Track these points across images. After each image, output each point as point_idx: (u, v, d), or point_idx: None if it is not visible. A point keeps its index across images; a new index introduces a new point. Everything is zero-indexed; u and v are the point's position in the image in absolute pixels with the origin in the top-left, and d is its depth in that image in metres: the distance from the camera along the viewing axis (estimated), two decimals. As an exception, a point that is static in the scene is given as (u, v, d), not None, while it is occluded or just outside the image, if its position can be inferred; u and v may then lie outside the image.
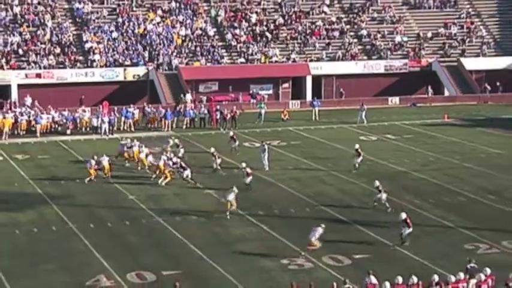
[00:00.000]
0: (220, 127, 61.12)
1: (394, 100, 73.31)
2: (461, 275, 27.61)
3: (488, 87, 75.53)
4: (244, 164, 43.93)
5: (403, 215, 34.63)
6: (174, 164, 44.72)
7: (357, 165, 47.23)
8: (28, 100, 66.09)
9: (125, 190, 43.13)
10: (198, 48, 75.47)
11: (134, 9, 78.27)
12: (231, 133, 53.05)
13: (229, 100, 69.97)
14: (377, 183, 40.25)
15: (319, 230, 33.69)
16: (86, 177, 44.47)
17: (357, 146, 48.26)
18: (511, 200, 41.45)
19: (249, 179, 42.81)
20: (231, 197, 38.71)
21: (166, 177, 43.97)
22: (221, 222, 37.78)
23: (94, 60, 72.21)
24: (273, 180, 45.42)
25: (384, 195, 39.51)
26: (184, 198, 41.68)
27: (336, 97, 75.07)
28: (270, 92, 74.37)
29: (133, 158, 47.89)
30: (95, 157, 45.12)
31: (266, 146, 48.00)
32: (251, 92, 72.34)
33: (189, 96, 67.71)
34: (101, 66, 72.04)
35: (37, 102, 64.95)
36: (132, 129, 60.00)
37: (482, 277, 27.72)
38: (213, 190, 42.34)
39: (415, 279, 27.14)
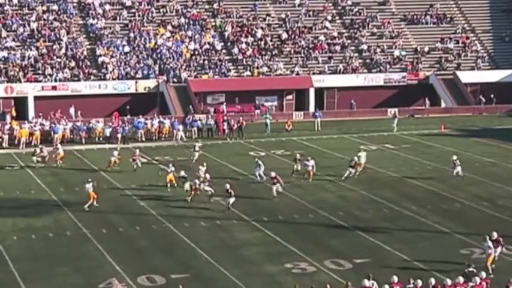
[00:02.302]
0: (227, 137, 61.14)
1: (393, 111, 73.14)
2: (460, 279, 27.56)
3: (483, 99, 75.47)
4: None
5: (494, 235, 32.36)
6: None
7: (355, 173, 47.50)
8: (71, 110, 67.08)
9: (135, 197, 43.12)
10: (206, 62, 75.54)
11: (145, 24, 78.39)
12: (297, 155, 49.32)
13: (236, 111, 69.96)
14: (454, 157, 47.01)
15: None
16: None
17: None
18: (504, 207, 41.39)
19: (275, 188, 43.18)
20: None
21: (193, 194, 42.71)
22: (227, 228, 37.79)
23: (107, 73, 72.34)
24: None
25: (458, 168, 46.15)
26: (192, 205, 41.64)
27: (337, 108, 75.05)
28: (275, 103, 74.40)
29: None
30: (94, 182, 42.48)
31: (260, 162, 47.53)
32: (256, 103, 72.55)
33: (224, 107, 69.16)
34: (113, 79, 72.13)
35: (80, 112, 65.51)
36: (143, 139, 60.02)
37: (478, 280, 27.70)
38: (220, 197, 42.25)
39: (419, 282, 27.21)
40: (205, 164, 46.24)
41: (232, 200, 40.31)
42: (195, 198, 42.11)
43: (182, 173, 44.14)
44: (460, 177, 46.84)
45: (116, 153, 50.72)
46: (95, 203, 41.10)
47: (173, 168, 45.25)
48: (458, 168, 46.99)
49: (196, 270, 31.99)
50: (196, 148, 52.26)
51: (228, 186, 40.88)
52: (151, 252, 34.48)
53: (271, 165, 50.25)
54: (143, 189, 44.92)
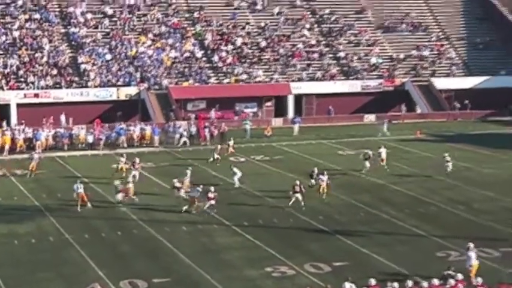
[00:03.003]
0: (208, 142, 60.94)
1: (370, 117, 73.44)
2: (435, 281, 27.54)
3: (458, 105, 75.75)
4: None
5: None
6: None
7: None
8: (62, 117, 66.65)
9: (117, 202, 42.81)
10: (186, 70, 75.39)
11: (126, 33, 78.12)
12: (315, 169, 46.32)
13: (217, 118, 69.80)
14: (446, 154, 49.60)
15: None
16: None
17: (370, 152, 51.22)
18: (479, 210, 41.48)
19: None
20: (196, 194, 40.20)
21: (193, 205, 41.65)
22: (208, 232, 37.61)
23: (89, 81, 71.99)
24: (257, 192, 45.26)
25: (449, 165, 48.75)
26: (173, 210, 41.40)
27: (315, 114, 75.08)
28: (255, 109, 74.33)
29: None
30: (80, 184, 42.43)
31: (235, 169, 47.21)
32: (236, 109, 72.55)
33: (213, 113, 69.43)
34: (95, 87, 71.81)
35: (71, 119, 65.36)
36: (125, 145, 59.72)
37: (452, 282, 27.68)
38: (202, 203, 42.03)
39: (396, 285, 27.12)
40: (189, 169, 46.03)
41: (212, 202, 40.29)
42: (193, 207, 40.98)
43: (176, 183, 43.03)
44: (448, 173, 49.15)
45: (122, 159, 49.72)
46: (79, 208, 40.82)
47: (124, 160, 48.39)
48: (450, 165, 49.33)
49: (177, 275, 31.79)
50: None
51: (212, 188, 40.92)
52: (133, 257, 34.24)
53: (251, 170, 50.25)
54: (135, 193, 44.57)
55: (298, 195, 41.55)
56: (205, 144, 60.81)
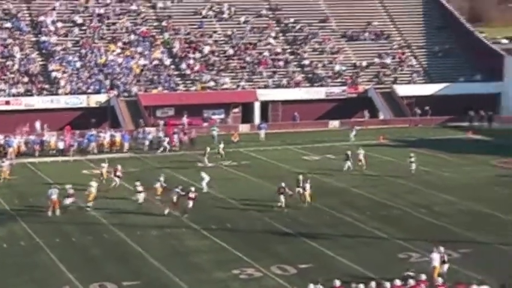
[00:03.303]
0: (178, 148, 60.78)
1: (334, 123, 73.78)
2: (397, 282, 27.75)
3: (418, 112, 76.33)
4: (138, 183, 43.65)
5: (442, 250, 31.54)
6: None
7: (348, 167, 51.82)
8: (37, 124, 66.12)
9: (88, 207, 42.58)
10: (155, 77, 75.26)
11: (96, 41, 77.81)
12: (300, 177, 44.69)
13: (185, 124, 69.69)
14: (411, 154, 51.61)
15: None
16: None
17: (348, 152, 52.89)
18: (440, 213, 41.85)
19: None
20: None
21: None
22: (177, 236, 37.58)
23: (59, 88, 71.60)
24: (225, 197, 45.30)
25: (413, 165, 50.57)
26: (143, 214, 41.32)
27: (281, 120, 75.27)
28: (222, 116, 74.35)
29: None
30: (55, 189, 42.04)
31: (203, 174, 47.06)
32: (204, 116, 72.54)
33: (185, 119, 69.42)
34: (66, 94, 71.43)
35: (46, 125, 64.90)
36: (95, 151, 59.42)
37: (412, 282, 27.93)
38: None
39: (361, 286, 27.28)
40: (162, 175, 46.00)
41: (191, 203, 40.59)
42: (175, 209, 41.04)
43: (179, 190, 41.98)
44: (411, 173, 50.78)
45: (105, 165, 49.12)
46: (50, 212, 40.63)
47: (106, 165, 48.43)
48: (414, 165, 50.89)
49: (147, 278, 31.72)
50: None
51: (193, 188, 41.27)
52: (103, 260, 34.11)
53: (219, 175, 50.27)
54: (95, 199, 44.32)
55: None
56: (175, 150, 60.70)
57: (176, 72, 76.77)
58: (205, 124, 70.70)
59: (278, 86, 77.50)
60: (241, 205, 43.44)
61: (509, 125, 73.64)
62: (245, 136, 66.81)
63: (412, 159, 51.58)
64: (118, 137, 61.24)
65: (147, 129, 64.43)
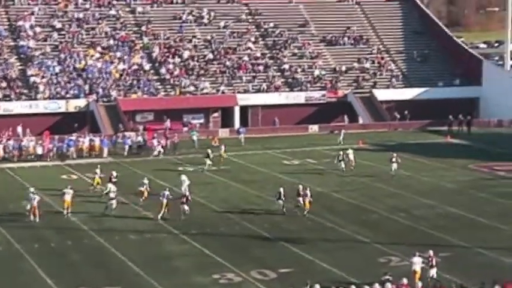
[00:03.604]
0: (159, 153, 60.58)
1: (314, 128, 73.87)
2: (377, 286, 27.82)
3: (398, 116, 76.62)
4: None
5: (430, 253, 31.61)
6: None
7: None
8: (19, 129, 65.71)
9: (67, 212, 42.38)
10: (134, 82, 75.08)
11: (75, 46, 77.52)
12: (300, 187, 43.82)
13: (165, 129, 69.53)
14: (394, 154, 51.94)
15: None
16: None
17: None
18: (420, 217, 42.00)
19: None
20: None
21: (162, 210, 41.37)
22: (157, 241, 37.50)
23: (38, 93, 71.27)
24: (205, 201, 45.26)
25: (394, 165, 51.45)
26: (123, 219, 41.19)
27: (261, 125, 75.28)
28: (202, 121, 74.29)
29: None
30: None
31: (184, 177, 46.96)
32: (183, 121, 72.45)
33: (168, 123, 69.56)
34: (45, 99, 71.11)
35: (28, 130, 64.57)
36: (74, 156, 59.16)
37: (390, 286, 27.96)
38: (150, 212, 41.94)
39: None
40: (146, 178, 45.90)
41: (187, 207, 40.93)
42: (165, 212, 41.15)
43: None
44: (392, 175, 51.16)
45: (98, 171, 48.56)
46: (32, 217, 40.60)
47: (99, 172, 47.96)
48: (394, 166, 51.72)
49: (127, 283, 31.63)
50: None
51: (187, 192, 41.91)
52: (83, 265, 33.99)
53: (199, 180, 50.19)
54: (75, 204, 44.13)
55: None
56: (155, 155, 60.53)
57: (156, 77, 76.63)
58: (185, 129, 70.56)
59: (258, 91, 77.55)
60: (221, 210, 43.40)
61: (488, 129, 74.11)
62: (225, 140, 66.64)
63: (393, 159, 52.16)
64: (97, 141, 61.03)
65: (127, 133, 64.24)
